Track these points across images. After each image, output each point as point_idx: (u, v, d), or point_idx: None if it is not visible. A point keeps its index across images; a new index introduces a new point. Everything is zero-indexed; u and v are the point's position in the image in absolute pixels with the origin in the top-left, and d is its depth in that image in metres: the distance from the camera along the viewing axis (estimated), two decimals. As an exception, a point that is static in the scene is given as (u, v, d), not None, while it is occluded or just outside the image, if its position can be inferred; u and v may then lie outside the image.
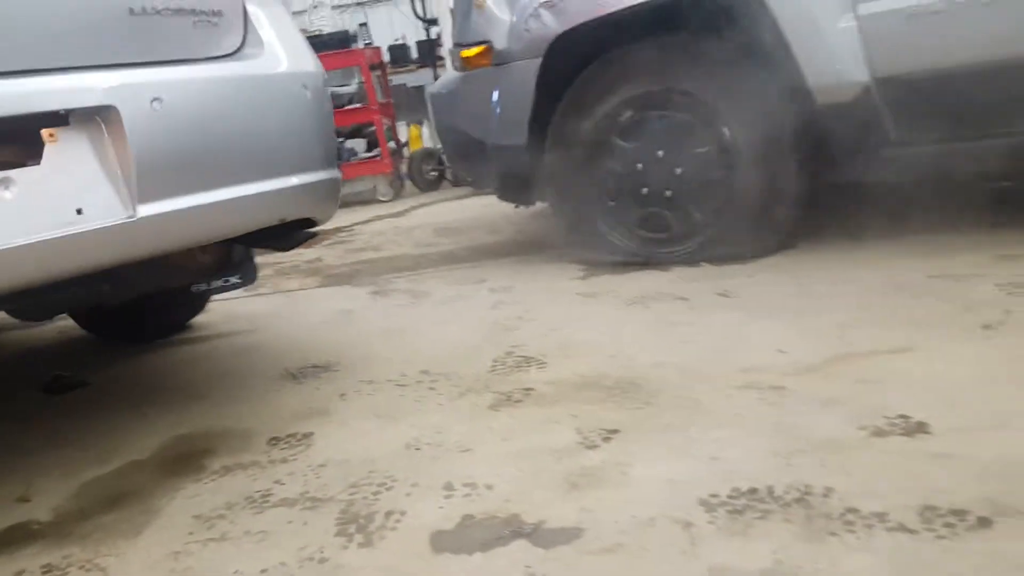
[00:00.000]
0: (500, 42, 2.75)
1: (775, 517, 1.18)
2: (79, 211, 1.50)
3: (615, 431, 1.52)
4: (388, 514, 1.34)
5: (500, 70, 2.76)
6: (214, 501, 1.48)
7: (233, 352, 2.45)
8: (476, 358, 2.02)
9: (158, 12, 1.69)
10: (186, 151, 1.63)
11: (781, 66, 2.36)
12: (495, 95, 2.80)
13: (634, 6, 2.47)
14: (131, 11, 1.64)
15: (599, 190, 2.71)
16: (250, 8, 1.88)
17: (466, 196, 4.94)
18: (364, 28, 6.37)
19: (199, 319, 2.81)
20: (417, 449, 1.56)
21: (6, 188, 1.43)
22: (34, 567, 1.36)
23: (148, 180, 1.56)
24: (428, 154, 5.61)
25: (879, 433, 1.37)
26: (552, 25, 2.61)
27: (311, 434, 1.72)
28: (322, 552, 1.26)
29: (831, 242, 2.58)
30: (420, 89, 8.24)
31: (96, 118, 1.53)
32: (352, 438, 1.67)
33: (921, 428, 1.37)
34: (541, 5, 2.63)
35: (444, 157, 4.89)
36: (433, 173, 5.54)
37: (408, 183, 5.64)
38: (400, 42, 7.97)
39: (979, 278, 2.06)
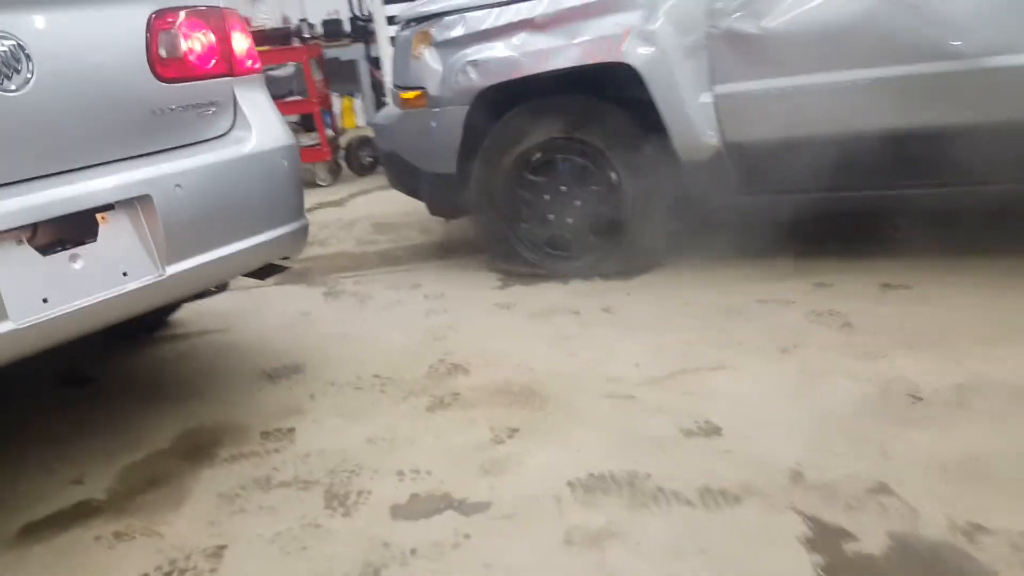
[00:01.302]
0: (434, 89, 3.29)
1: (613, 493, 1.84)
2: (124, 274, 2.04)
3: (517, 429, 2.16)
4: (359, 492, 1.96)
5: (433, 112, 3.32)
6: (230, 483, 2.07)
7: (214, 351, 3.00)
8: (415, 364, 2.63)
9: (172, 110, 2.22)
10: (200, 221, 2.18)
11: (656, 127, 2.99)
12: (430, 131, 3.35)
13: (543, 72, 3.06)
14: (153, 112, 2.17)
15: (514, 214, 3.32)
16: (238, 97, 2.40)
17: (399, 184, 5.48)
18: (304, 23, 6.75)
19: (174, 316, 3.34)
20: (375, 443, 2.18)
21: (74, 261, 1.96)
22: (106, 533, 1.92)
23: (173, 246, 2.11)
24: (364, 141, 6.09)
25: (689, 434, 2.05)
26: (476, 81, 3.18)
27: (293, 429, 2.31)
28: (315, 520, 1.87)
29: (691, 265, 3.24)
30: (353, 63, 8.65)
31: (135, 203, 2.06)
32: (326, 432, 2.28)
33: (716, 431, 2.05)
34: (467, 63, 3.19)
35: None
36: (369, 159, 6.03)
37: (345, 167, 6.12)
38: (334, 17, 8.35)
39: (793, 305, 2.76)
